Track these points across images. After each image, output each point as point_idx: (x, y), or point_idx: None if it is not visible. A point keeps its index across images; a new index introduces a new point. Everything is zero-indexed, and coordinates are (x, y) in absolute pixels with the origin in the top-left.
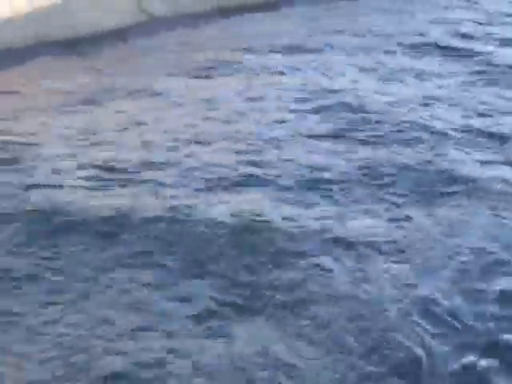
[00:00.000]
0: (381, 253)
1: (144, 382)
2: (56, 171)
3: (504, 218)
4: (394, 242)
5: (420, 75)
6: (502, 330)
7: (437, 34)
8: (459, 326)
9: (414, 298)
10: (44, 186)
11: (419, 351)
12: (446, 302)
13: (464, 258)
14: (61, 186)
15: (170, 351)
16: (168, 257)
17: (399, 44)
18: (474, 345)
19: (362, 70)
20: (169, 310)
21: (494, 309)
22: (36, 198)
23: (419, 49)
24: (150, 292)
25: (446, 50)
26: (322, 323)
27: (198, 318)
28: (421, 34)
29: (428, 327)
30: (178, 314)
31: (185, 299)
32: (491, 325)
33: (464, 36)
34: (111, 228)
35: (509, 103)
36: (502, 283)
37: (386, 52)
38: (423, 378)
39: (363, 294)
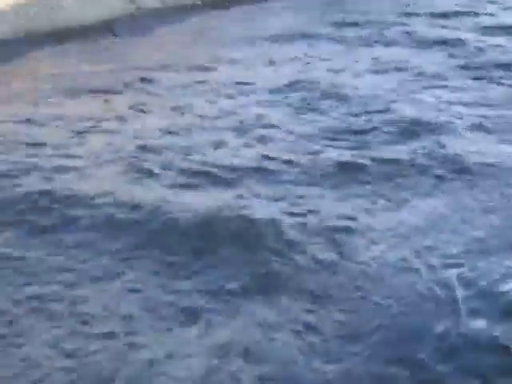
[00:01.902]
0: (368, 240)
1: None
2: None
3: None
4: (385, 231)
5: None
6: None
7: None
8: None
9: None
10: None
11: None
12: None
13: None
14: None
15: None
16: (153, 250)
17: (391, 35)
18: None
19: (351, 61)
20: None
21: None
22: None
23: (414, 40)
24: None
25: (437, 41)
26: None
27: (184, 311)
28: (415, 25)
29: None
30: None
31: (174, 292)
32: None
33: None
34: (95, 220)
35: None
36: None
37: (375, 43)
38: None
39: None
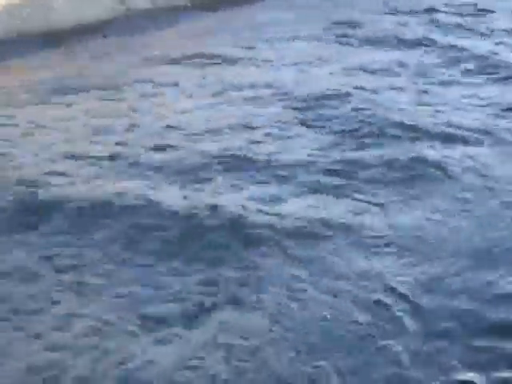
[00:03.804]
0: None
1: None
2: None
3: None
4: (366, 232)
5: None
6: None
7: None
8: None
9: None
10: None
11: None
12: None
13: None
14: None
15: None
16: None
17: (386, 36)
18: None
19: (343, 62)
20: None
21: None
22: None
23: (417, 43)
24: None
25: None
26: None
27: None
28: (415, 28)
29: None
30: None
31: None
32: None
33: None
34: (85, 215)
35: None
36: None
37: (370, 44)
38: None
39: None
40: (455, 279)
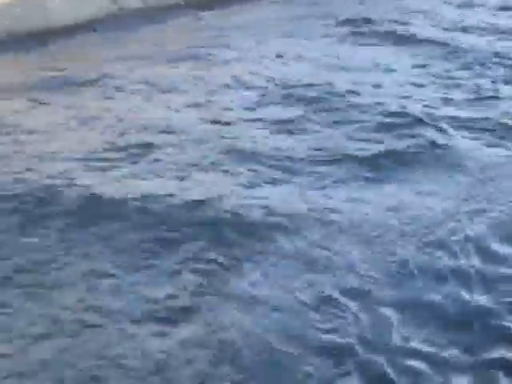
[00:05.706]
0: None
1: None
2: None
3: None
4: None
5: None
6: None
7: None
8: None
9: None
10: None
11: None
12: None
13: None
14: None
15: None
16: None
17: (384, 31)
18: None
19: (337, 59)
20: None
21: None
22: None
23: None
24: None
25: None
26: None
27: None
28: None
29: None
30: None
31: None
32: None
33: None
34: (85, 210)
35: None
36: None
37: (360, 42)
38: None
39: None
40: None
